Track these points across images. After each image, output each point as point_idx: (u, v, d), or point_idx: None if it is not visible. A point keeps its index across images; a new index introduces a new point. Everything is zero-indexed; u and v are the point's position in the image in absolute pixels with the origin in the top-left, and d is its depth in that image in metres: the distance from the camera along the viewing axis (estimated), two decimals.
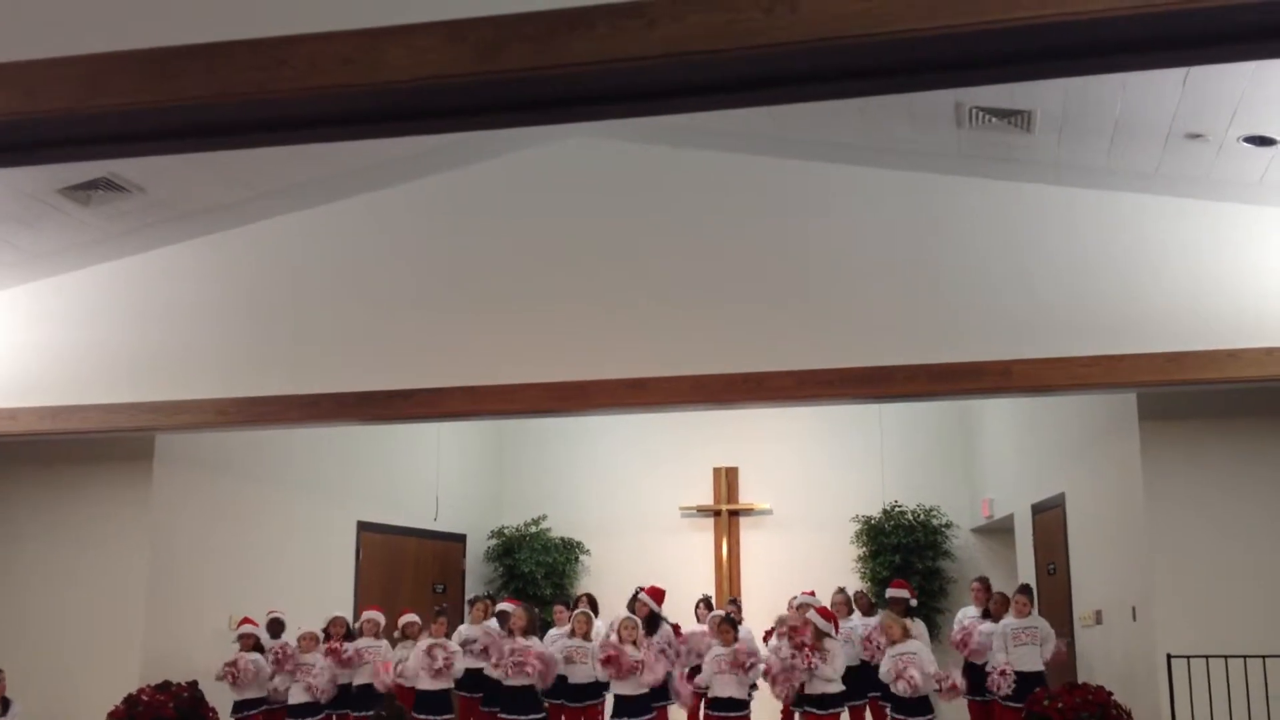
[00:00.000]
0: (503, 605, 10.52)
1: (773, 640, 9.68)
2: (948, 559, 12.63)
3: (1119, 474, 8.48)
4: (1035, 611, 9.12)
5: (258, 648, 9.46)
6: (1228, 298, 6.89)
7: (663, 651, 9.58)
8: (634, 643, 9.07)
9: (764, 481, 13.55)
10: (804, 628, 8.91)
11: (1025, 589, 9.35)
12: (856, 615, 10.31)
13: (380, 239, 8.30)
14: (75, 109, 3.60)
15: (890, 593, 10.29)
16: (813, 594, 9.94)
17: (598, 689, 9.49)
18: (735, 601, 11.09)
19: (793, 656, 8.71)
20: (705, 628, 9.99)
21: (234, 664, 9.21)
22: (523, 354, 7.74)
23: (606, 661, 8.93)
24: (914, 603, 10.18)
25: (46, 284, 8.64)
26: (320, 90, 3.42)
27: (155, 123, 3.69)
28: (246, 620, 9.59)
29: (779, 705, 9.97)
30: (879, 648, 9.21)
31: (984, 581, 10.31)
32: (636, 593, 10.09)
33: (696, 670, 9.47)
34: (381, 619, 9.88)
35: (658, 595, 10.01)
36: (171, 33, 3.55)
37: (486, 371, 7.76)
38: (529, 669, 9.04)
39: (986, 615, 9.57)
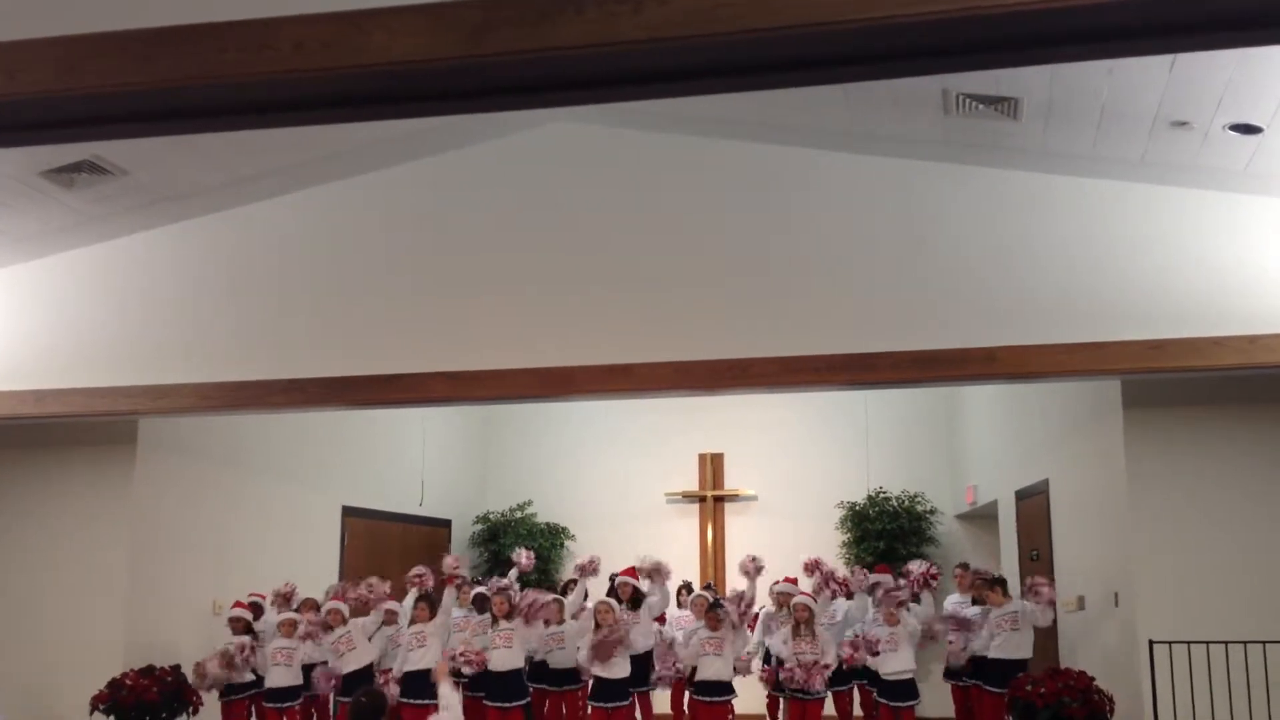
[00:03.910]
0: (480, 589, 10.53)
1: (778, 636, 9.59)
2: (932, 545, 12.68)
3: (1102, 461, 8.51)
4: (1014, 596, 9.16)
5: (248, 631, 9.46)
6: (1212, 285, 6.91)
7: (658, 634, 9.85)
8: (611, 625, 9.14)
9: (749, 467, 13.58)
10: (801, 611, 9.07)
11: (999, 581, 9.39)
12: (840, 600, 10.33)
13: (364, 223, 8.27)
14: (57, 91, 3.57)
15: (874, 578, 10.33)
16: (795, 582, 9.96)
17: (579, 674, 9.52)
18: (710, 587, 11.09)
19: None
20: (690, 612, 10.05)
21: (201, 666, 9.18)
22: (508, 339, 7.72)
23: (597, 647, 8.99)
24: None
25: (29, 267, 8.59)
26: (304, 73, 3.40)
27: (137, 105, 3.67)
28: (238, 604, 9.59)
29: (764, 689, 10.01)
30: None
31: (966, 567, 10.38)
32: (613, 579, 10.13)
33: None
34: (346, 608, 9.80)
35: (634, 573, 10.07)
36: (154, 14, 3.52)
37: (471, 357, 7.74)
38: (541, 615, 9.19)
39: (976, 602, 9.63)
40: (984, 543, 12.59)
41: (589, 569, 9.92)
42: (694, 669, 9.27)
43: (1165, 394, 8.02)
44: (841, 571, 10.66)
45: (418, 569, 9.68)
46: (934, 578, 10.05)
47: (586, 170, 8.01)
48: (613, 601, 9.46)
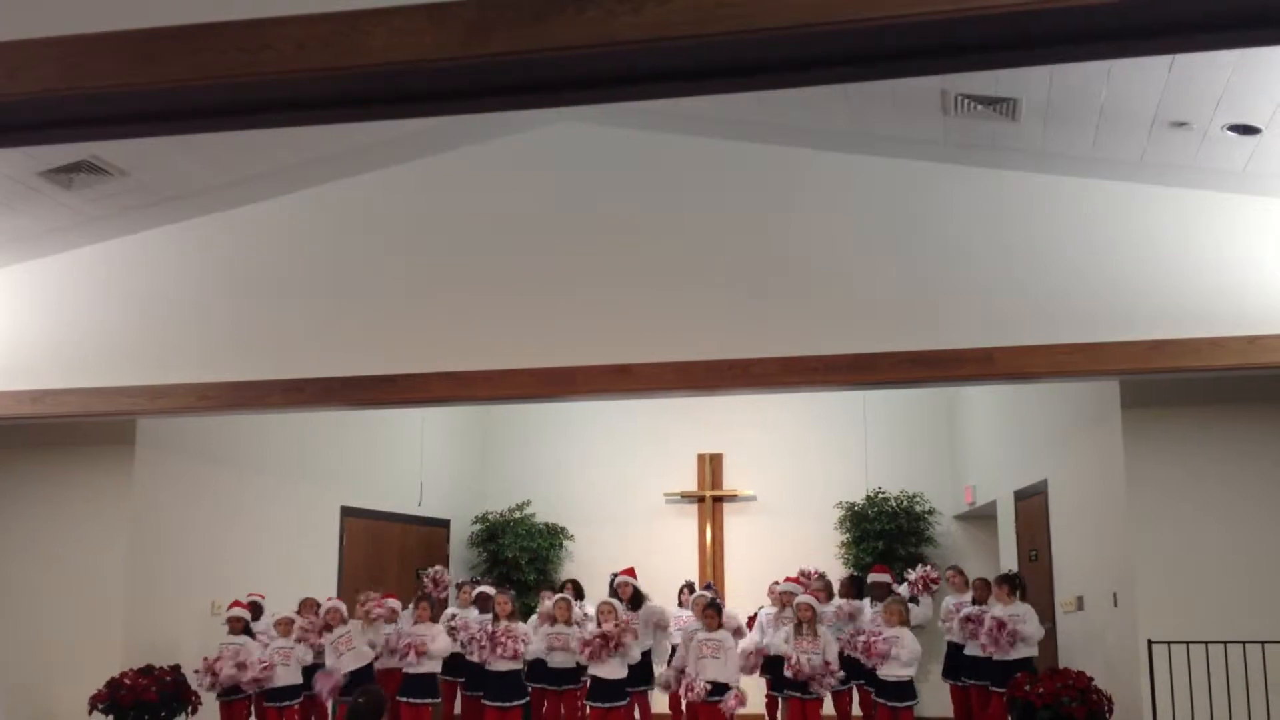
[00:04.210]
0: (482, 588, 10.55)
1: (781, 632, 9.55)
2: (931, 545, 12.68)
3: (1101, 461, 8.51)
4: (1019, 599, 9.14)
5: (247, 631, 9.46)
6: (1210, 286, 6.91)
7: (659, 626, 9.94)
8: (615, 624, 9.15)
9: (748, 468, 13.57)
10: (804, 610, 9.04)
11: (1007, 578, 9.39)
12: (836, 600, 10.32)
13: (365, 223, 8.27)
14: (57, 90, 3.57)
15: (872, 578, 10.38)
16: (798, 580, 9.97)
17: (578, 674, 9.53)
18: (711, 587, 11.11)
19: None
20: (690, 612, 10.05)
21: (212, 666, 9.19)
22: (509, 339, 7.72)
23: (591, 644, 8.97)
24: (897, 588, 10.21)
25: (28, 267, 8.58)
26: (303, 73, 3.40)
27: (137, 105, 3.66)
28: (237, 604, 9.59)
29: (762, 689, 10.01)
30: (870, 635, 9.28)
31: (958, 569, 10.39)
32: (614, 578, 10.14)
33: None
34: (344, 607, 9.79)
35: (633, 573, 10.09)
36: (154, 14, 3.52)
37: (471, 357, 7.74)
38: (518, 651, 9.13)
39: (975, 602, 9.64)
40: (983, 543, 12.59)
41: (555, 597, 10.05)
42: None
43: (1164, 394, 8.02)
44: (839, 573, 10.73)
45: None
46: (934, 581, 10.08)
47: (587, 170, 8.01)
48: (615, 602, 9.48)
